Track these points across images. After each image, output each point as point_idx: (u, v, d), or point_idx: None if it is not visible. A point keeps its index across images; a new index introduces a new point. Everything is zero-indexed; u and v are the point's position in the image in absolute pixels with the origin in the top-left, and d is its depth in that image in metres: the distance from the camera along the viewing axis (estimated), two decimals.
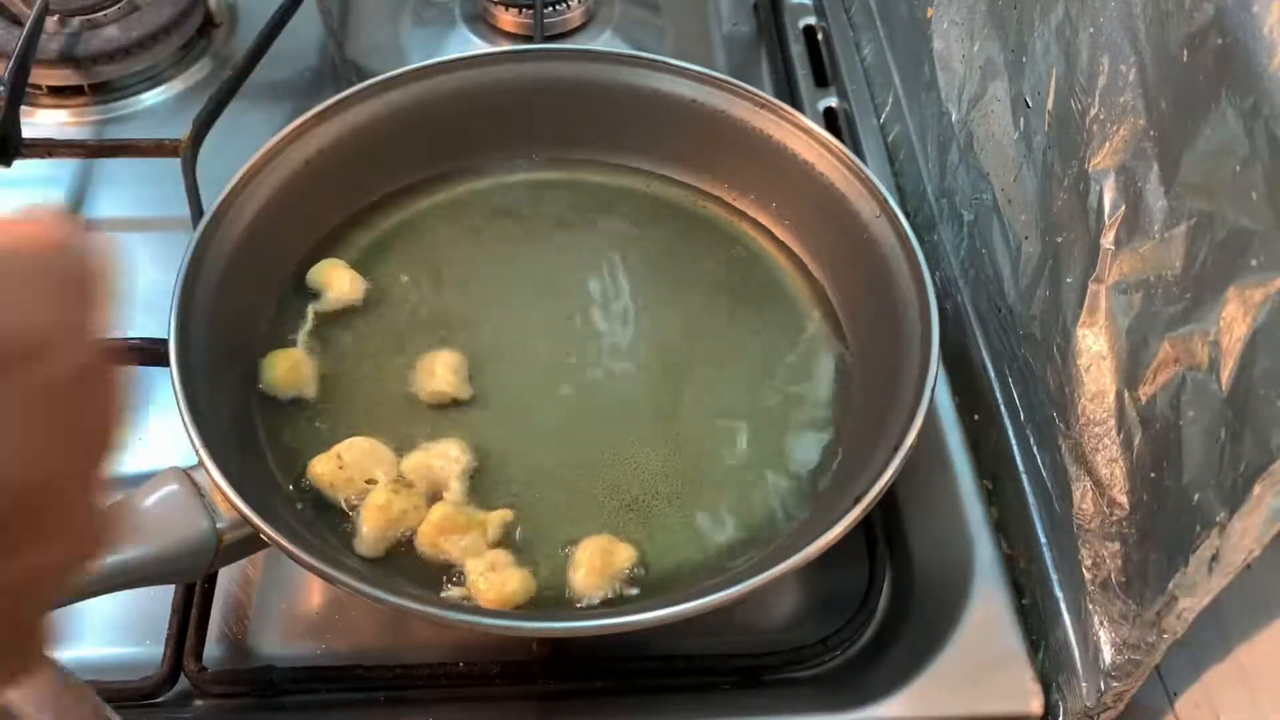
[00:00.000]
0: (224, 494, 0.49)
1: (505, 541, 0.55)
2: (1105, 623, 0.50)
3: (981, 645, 0.56)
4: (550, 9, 0.85)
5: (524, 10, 0.86)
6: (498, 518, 0.55)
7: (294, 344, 0.62)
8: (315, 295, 0.64)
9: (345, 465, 0.56)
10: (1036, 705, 0.55)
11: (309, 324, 0.63)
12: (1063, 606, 0.55)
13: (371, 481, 0.56)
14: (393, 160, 0.69)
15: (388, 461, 0.57)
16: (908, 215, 0.63)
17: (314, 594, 0.59)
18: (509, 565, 0.54)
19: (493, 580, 0.53)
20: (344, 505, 0.56)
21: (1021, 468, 0.60)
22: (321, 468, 0.56)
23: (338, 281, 0.64)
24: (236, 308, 0.60)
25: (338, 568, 0.49)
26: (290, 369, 0.60)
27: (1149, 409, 0.46)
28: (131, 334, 0.62)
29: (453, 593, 0.54)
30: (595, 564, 0.54)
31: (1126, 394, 0.48)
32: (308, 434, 0.59)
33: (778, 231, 0.69)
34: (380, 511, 0.55)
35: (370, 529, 0.54)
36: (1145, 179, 0.46)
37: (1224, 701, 0.48)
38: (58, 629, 0.26)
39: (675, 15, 0.92)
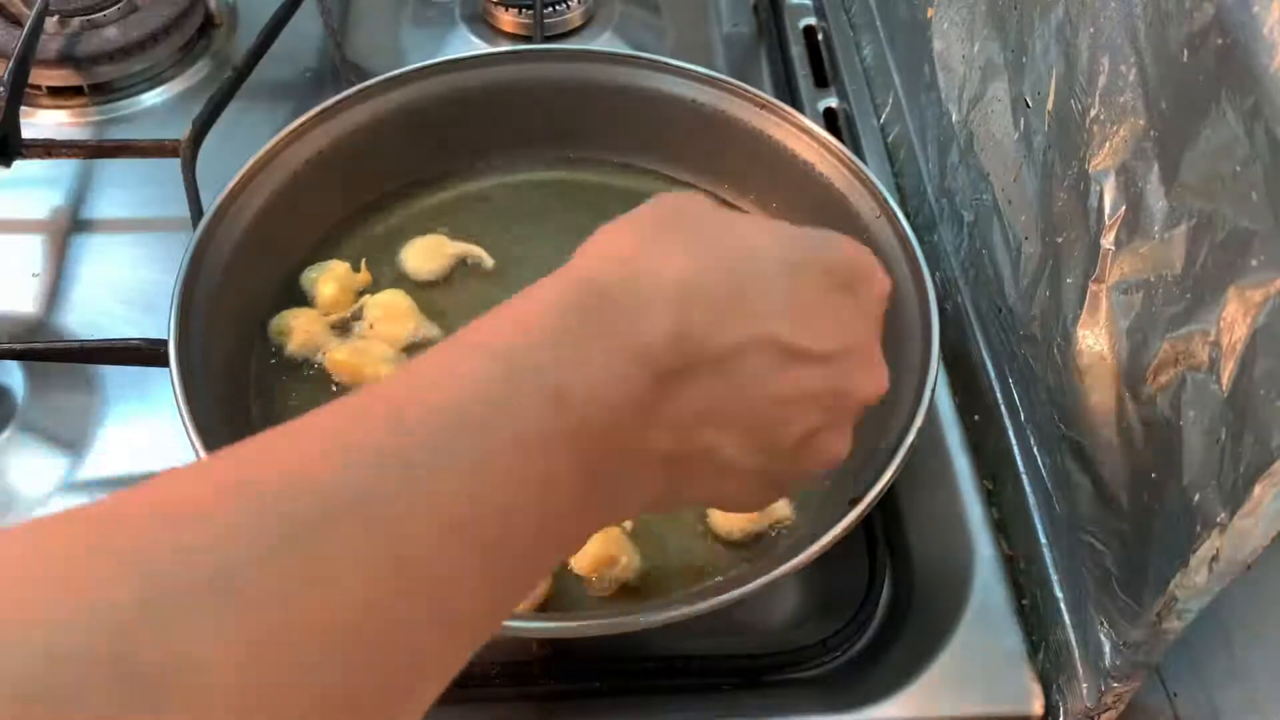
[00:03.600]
0: None
1: None
2: (1105, 623, 0.50)
3: (981, 645, 0.56)
4: (550, 9, 0.85)
5: (524, 10, 0.86)
6: None
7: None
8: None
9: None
10: (1036, 705, 0.55)
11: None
12: (1063, 606, 0.55)
13: None
14: (393, 160, 0.69)
15: None
16: (908, 215, 0.63)
17: None
18: None
19: None
20: None
21: (1021, 468, 0.60)
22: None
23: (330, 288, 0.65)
24: (236, 308, 0.60)
25: None
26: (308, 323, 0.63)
27: (1149, 409, 0.46)
28: (131, 334, 0.62)
29: None
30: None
31: (1126, 394, 0.48)
32: None
33: None
34: None
35: None
36: (1145, 179, 0.46)
37: (1224, 701, 0.48)
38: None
39: (675, 15, 0.92)
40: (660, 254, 0.35)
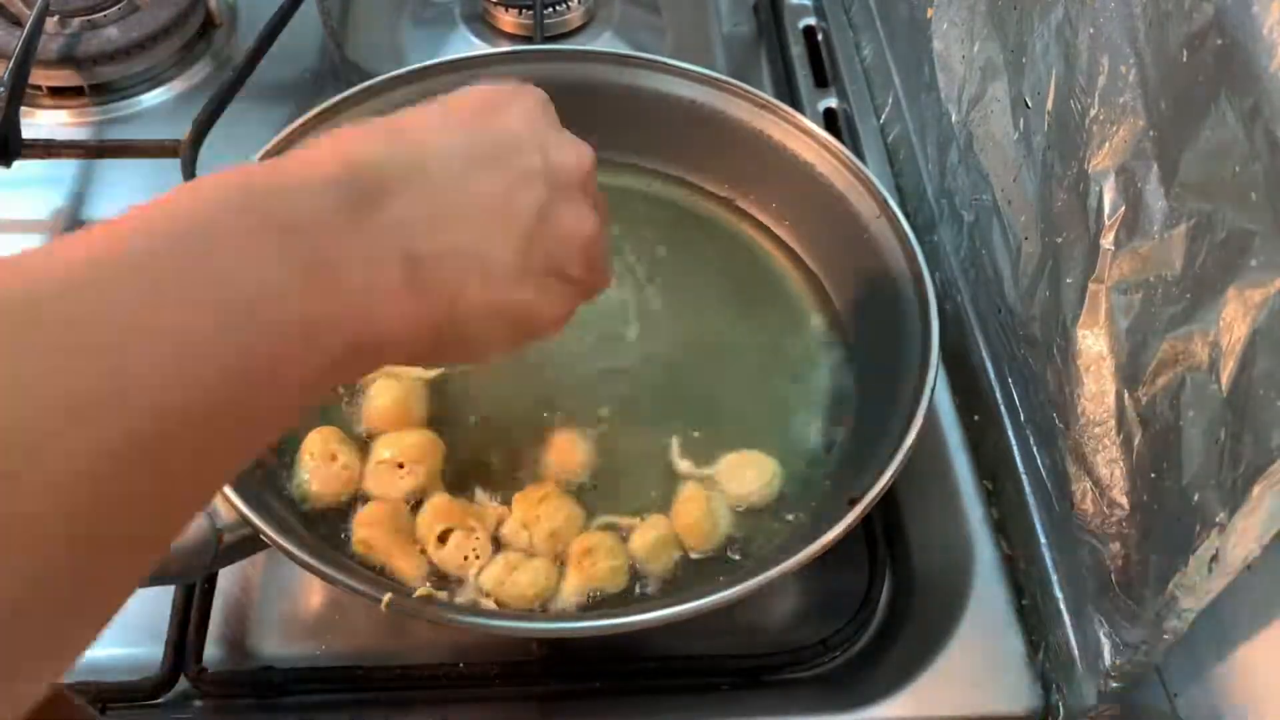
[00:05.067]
0: (223, 494, 0.49)
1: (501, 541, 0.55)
2: (1105, 623, 0.50)
3: (981, 645, 0.56)
4: (550, 9, 0.85)
5: (524, 10, 0.86)
6: (494, 514, 0.55)
7: None
8: None
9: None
10: (1036, 705, 0.55)
11: None
12: (1063, 606, 0.55)
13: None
14: None
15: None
16: (908, 216, 0.63)
17: (314, 594, 0.59)
18: (538, 565, 0.54)
19: (519, 581, 0.53)
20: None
21: (1021, 468, 0.60)
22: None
23: None
24: None
25: (337, 568, 0.49)
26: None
27: (1149, 409, 0.46)
28: None
29: (463, 594, 0.54)
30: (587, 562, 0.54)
31: (1126, 394, 0.48)
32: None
33: (778, 231, 0.69)
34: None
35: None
36: (1145, 179, 0.46)
37: (1224, 701, 0.48)
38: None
39: (675, 15, 0.92)
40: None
